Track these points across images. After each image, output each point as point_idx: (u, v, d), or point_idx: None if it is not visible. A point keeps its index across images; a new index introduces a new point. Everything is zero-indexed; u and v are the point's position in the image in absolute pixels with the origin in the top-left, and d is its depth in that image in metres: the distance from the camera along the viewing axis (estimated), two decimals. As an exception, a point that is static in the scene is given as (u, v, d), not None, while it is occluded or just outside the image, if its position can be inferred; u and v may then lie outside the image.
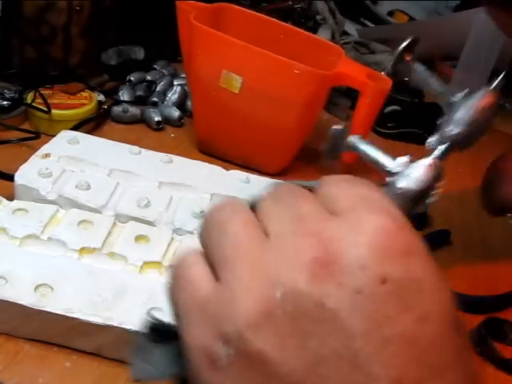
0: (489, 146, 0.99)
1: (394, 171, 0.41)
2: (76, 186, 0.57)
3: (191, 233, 0.55)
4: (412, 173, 0.42)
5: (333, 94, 0.73)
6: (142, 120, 0.80)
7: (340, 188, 0.26)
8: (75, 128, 0.70)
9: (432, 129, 0.93)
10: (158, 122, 0.79)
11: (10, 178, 0.58)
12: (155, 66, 0.91)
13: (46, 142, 0.63)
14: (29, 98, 0.73)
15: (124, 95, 0.82)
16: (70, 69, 0.81)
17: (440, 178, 0.42)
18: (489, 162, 0.92)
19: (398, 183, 0.41)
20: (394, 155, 0.88)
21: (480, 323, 0.55)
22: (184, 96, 0.84)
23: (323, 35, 0.96)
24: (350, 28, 1.21)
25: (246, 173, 0.66)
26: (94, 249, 0.49)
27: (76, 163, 0.61)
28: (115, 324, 0.43)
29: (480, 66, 1.01)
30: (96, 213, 0.55)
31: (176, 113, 0.81)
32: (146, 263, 0.49)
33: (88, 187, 0.57)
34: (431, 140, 0.43)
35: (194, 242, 0.54)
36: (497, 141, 1.02)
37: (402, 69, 0.55)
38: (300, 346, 0.22)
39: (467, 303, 0.56)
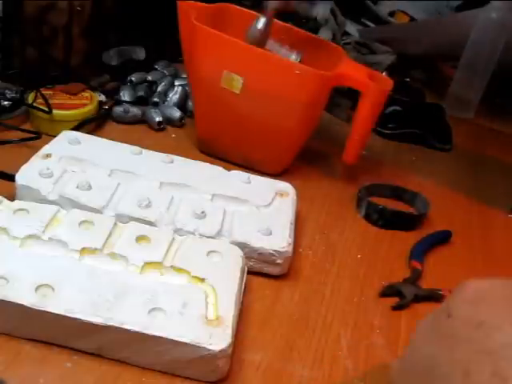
0: (489, 145, 0.99)
1: None
2: (77, 187, 0.57)
3: (192, 233, 0.55)
4: None
5: (334, 94, 0.72)
6: (143, 120, 0.80)
7: None
8: (76, 128, 0.70)
9: (432, 128, 0.93)
10: (159, 123, 0.79)
11: (11, 178, 0.58)
12: (156, 67, 0.92)
13: (47, 143, 0.63)
14: (30, 98, 0.73)
15: (125, 95, 0.82)
16: (71, 69, 0.81)
17: None
18: (488, 161, 0.93)
19: None
20: (396, 156, 0.88)
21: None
22: (185, 96, 0.84)
23: (324, 35, 0.96)
24: (351, 28, 1.21)
25: (246, 173, 0.66)
26: (95, 249, 0.50)
27: (77, 163, 0.61)
28: (116, 324, 0.43)
29: (481, 66, 1.01)
30: (97, 213, 0.55)
31: (177, 113, 0.81)
32: (146, 263, 0.49)
33: (89, 187, 0.57)
34: None
35: (194, 242, 0.55)
36: (497, 141, 1.02)
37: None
38: None
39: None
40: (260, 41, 0.70)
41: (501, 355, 0.32)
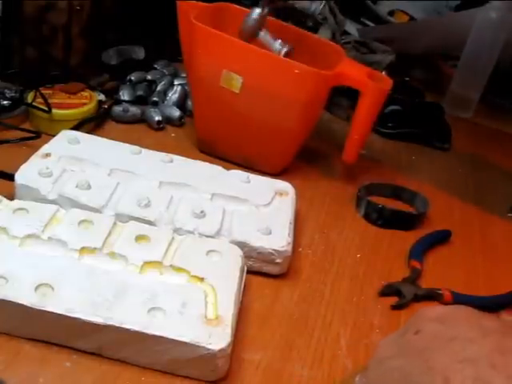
0: (489, 145, 0.99)
1: None
2: (76, 186, 0.57)
3: (191, 232, 0.55)
4: None
5: (333, 93, 0.72)
6: (143, 120, 0.80)
7: None
8: (76, 128, 0.70)
9: (432, 128, 0.93)
10: (159, 122, 0.79)
11: (10, 177, 0.58)
12: (155, 66, 0.91)
13: (46, 142, 0.63)
14: (29, 97, 0.73)
15: (124, 95, 0.82)
16: (71, 68, 0.81)
17: None
18: (488, 160, 0.93)
19: None
20: (395, 155, 0.88)
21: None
22: (184, 96, 0.84)
23: (324, 35, 0.96)
24: (351, 28, 1.21)
25: (246, 172, 0.66)
26: (95, 249, 0.50)
27: (76, 163, 0.61)
28: (115, 324, 0.43)
29: (480, 65, 1.01)
30: (96, 212, 0.55)
31: (176, 112, 0.81)
32: (146, 263, 0.49)
33: (88, 187, 0.57)
34: None
35: (193, 242, 0.55)
36: (496, 140, 1.02)
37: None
38: None
39: (467, 304, 0.56)
40: (254, 30, 0.72)
41: (481, 363, 0.33)
